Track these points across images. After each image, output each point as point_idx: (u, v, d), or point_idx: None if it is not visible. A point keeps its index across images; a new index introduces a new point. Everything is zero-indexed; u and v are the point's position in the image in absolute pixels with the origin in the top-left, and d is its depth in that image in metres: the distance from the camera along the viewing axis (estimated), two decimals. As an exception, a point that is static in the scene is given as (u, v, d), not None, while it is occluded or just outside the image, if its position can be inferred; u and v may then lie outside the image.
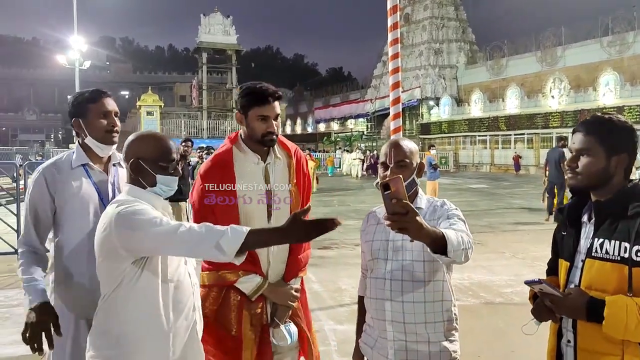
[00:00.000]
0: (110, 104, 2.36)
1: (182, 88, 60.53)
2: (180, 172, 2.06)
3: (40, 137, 62.14)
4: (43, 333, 2.03)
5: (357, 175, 30.01)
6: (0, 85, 67.79)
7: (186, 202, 8.25)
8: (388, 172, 2.03)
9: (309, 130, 62.46)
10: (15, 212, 7.34)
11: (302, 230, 1.69)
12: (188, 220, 8.55)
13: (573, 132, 1.77)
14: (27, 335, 2.02)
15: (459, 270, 6.89)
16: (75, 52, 26.37)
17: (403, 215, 1.53)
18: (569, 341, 1.71)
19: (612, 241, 1.60)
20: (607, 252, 1.61)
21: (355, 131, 50.34)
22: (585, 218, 1.76)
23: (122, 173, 2.41)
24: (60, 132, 64.86)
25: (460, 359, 2.08)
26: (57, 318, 2.09)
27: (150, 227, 1.76)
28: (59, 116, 63.19)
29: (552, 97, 33.04)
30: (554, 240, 1.91)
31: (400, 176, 1.60)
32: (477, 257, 8.00)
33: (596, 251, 1.64)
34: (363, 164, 31.20)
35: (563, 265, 1.79)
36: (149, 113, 33.20)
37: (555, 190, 12.02)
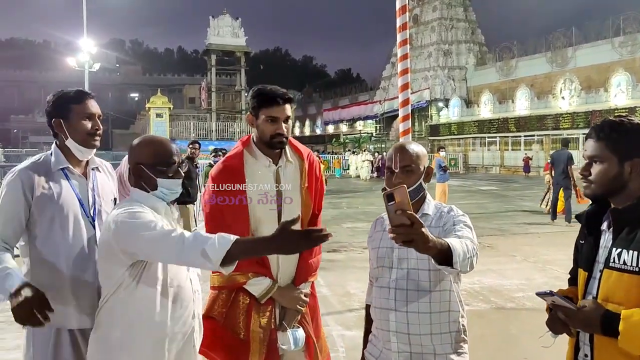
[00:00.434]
0: (95, 107, 2.27)
1: (192, 90, 60.77)
2: (183, 174, 2.05)
3: (50, 139, 61.60)
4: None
5: (365, 177, 29.94)
6: (12, 87, 68.51)
7: (194, 204, 8.24)
8: (394, 178, 1.96)
9: (318, 132, 62.49)
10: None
11: (291, 241, 1.65)
12: (196, 223, 8.57)
13: (586, 138, 1.69)
14: (21, 316, 1.87)
15: (469, 274, 6.74)
16: (84, 54, 26.53)
17: (408, 227, 1.47)
18: (585, 355, 1.63)
19: (631, 251, 1.52)
20: (624, 263, 1.52)
21: (364, 133, 50.31)
22: (604, 226, 1.67)
23: (100, 178, 2.34)
24: (70, 134, 65.22)
25: (471, 367, 2.01)
26: (44, 297, 1.92)
27: (144, 230, 1.76)
28: (69, 118, 63.69)
29: (563, 98, 32.79)
30: (575, 248, 1.82)
31: (405, 186, 1.54)
32: (487, 260, 7.90)
33: (614, 261, 1.55)
34: (372, 166, 31.11)
35: (581, 275, 1.71)
36: (158, 115, 33.33)
37: (561, 193, 11.93)
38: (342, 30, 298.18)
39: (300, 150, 2.53)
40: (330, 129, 59.25)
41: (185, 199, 7.51)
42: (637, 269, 1.49)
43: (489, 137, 38.45)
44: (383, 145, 44.49)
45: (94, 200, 2.25)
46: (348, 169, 34.26)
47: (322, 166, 2.63)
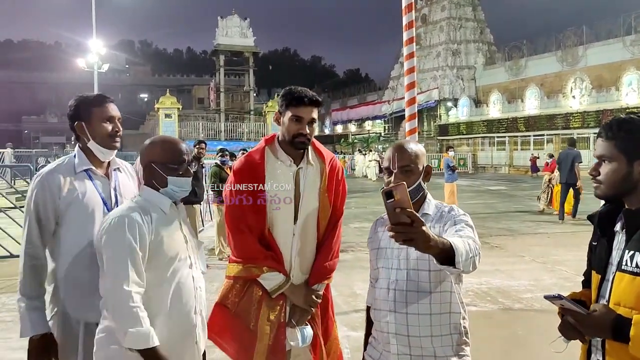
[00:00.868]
0: (115, 110, 2.38)
1: (201, 90, 60.92)
2: (192, 173, 2.12)
3: (61, 139, 62.99)
4: None
5: (372, 177, 29.87)
6: (24, 89, 69.10)
7: (200, 204, 8.25)
8: (392, 178, 1.93)
9: (326, 132, 62.43)
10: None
11: None
12: (203, 223, 8.55)
13: (597, 138, 1.65)
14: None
15: (477, 275, 6.74)
16: (93, 55, 26.69)
17: (408, 225, 1.42)
18: None
19: None
20: (637, 266, 1.46)
21: (373, 133, 50.19)
22: (618, 227, 1.60)
23: (121, 178, 2.44)
24: (80, 135, 65.63)
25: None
26: (57, 348, 2.20)
27: (117, 254, 1.86)
28: (79, 119, 64.14)
29: (573, 97, 32.51)
30: (589, 250, 1.76)
31: (404, 183, 1.50)
32: (495, 261, 7.84)
33: (626, 264, 1.49)
34: (379, 166, 31.01)
35: (595, 277, 1.65)
36: (167, 115, 33.41)
37: (571, 192, 11.88)
38: (350, 30, 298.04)
39: (322, 154, 2.57)
40: (339, 129, 59.18)
41: (192, 198, 7.51)
42: None
43: (498, 137, 38.22)
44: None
45: (116, 200, 2.35)
46: (354, 169, 33.92)
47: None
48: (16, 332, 4.83)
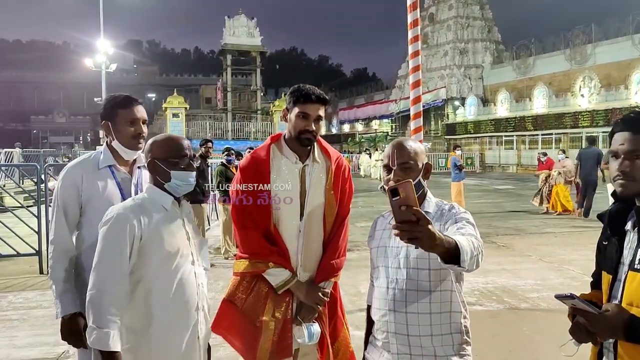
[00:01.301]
0: (140, 112, 2.46)
1: (208, 90, 61.01)
2: (195, 168, 2.17)
3: (70, 139, 63.31)
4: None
5: (379, 177, 29.81)
6: (32, 89, 69.42)
7: (207, 204, 8.26)
8: (391, 176, 1.92)
9: (334, 131, 62.41)
10: (37, 214, 7.40)
11: None
12: (209, 222, 8.55)
13: (614, 132, 1.57)
14: (68, 340, 2.29)
15: (483, 274, 6.71)
16: (101, 55, 26.80)
17: (413, 224, 1.40)
18: None
19: None
20: None
21: (380, 132, 50.08)
22: (629, 225, 1.55)
23: (145, 175, 2.52)
24: (88, 135, 66.01)
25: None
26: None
27: (102, 251, 1.94)
28: (87, 119, 64.31)
29: (582, 96, 32.29)
30: (597, 250, 1.71)
31: (410, 180, 1.47)
32: (502, 260, 7.80)
33: (639, 263, 1.45)
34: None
35: (605, 278, 1.60)
36: (174, 115, 33.54)
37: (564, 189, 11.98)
38: (357, 29, 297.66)
39: (329, 152, 2.59)
40: (346, 128, 59.13)
41: (199, 197, 7.53)
42: None
43: (505, 136, 38.03)
44: (399, 145, 44.18)
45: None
46: (359, 169, 33.51)
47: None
48: (24, 331, 4.91)
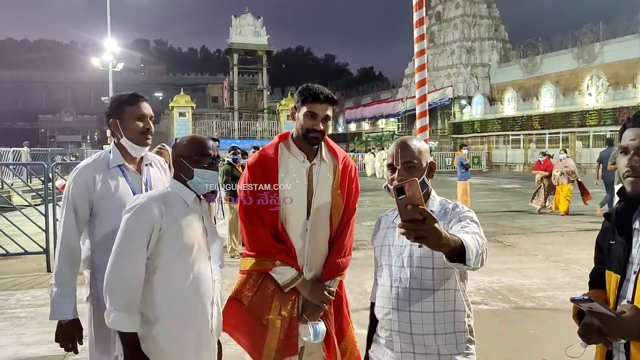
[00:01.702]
0: (146, 108, 2.49)
1: (215, 89, 61.15)
2: (217, 169, 2.21)
3: (77, 138, 63.64)
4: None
5: (385, 176, 29.66)
6: (40, 88, 69.80)
7: (213, 202, 8.26)
8: (395, 175, 1.92)
9: (340, 130, 62.34)
10: (44, 213, 7.45)
11: None
12: (215, 221, 8.54)
13: (625, 129, 1.54)
14: (60, 342, 2.35)
15: (489, 273, 6.70)
16: (108, 54, 26.93)
17: (420, 222, 1.39)
18: None
19: None
20: None
21: (386, 131, 49.99)
22: (636, 224, 1.51)
23: (153, 172, 2.57)
24: (95, 133, 66.33)
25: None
26: (82, 332, 2.36)
27: (123, 236, 1.99)
28: (94, 118, 64.60)
29: (589, 94, 32.12)
30: (596, 248, 1.69)
31: (416, 179, 1.46)
32: (508, 259, 7.79)
33: None
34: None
35: (613, 278, 1.56)
36: (181, 114, 33.63)
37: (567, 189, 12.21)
38: (364, 28, 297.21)
39: (336, 152, 2.61)
40: (353, 127, 59.06)
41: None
42: None
43: (512, 135, 37.88)
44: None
45: None
46: (364, 168, 32.93)
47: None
48: (31, 328, 4.95)
